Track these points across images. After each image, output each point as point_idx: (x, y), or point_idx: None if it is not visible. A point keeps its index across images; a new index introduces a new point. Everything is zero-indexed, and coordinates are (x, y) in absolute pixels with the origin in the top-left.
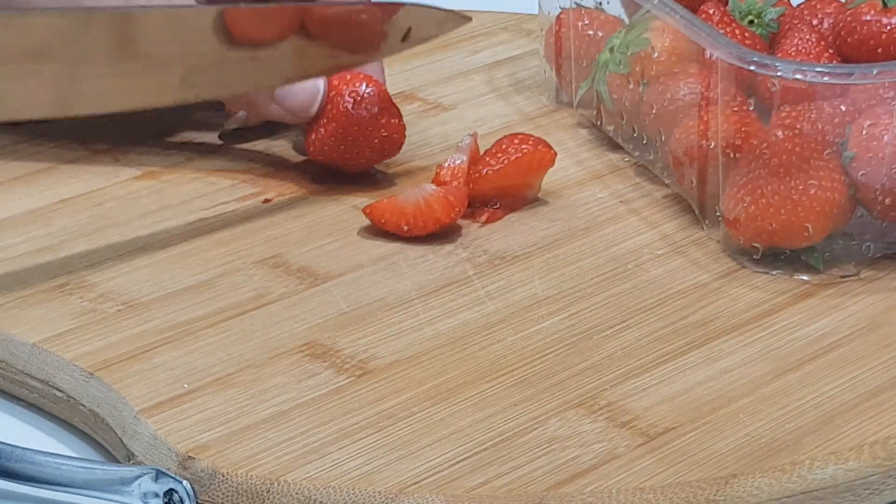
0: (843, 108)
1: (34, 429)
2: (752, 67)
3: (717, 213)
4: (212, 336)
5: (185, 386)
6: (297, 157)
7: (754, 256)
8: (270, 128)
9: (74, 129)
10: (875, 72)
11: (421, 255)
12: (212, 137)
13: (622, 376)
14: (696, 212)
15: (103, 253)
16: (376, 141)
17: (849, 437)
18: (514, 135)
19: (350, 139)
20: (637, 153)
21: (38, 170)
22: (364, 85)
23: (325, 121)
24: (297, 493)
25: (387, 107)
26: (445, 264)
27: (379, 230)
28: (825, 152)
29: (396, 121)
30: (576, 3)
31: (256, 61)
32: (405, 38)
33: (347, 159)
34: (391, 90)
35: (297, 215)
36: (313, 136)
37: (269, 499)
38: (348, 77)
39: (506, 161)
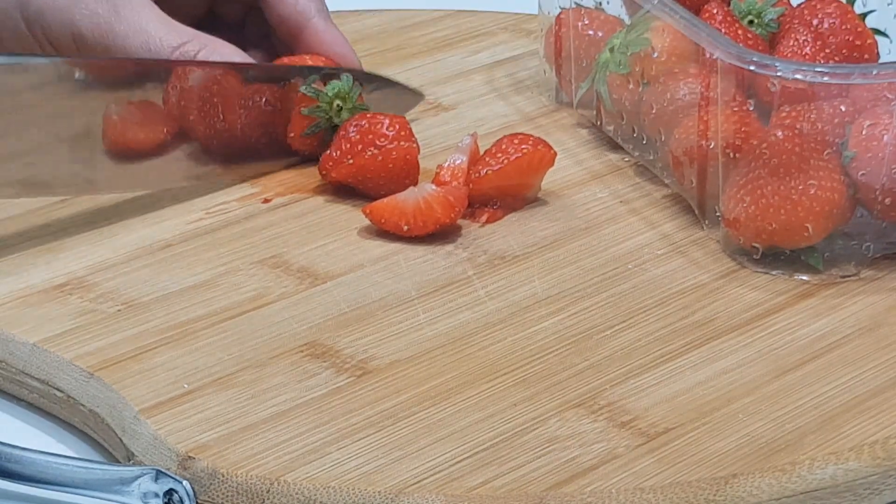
0: (843, 108)
1: (34, 429)
2: (751, 67)
3: (717, 213)
4: (212, 336)
5: (185, 386)
6: (297, 158)
7: (754, 256)
8: None
9: None
10: (875, 72)
11: (421, 255)
12: None
13: (622, 376)
14: (696, 212)
15: (103, 253)
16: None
17: (849, 437)
18: (514, 135)
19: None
20: (637, 153)
21: None
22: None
23: (341, 154)
24: (297, 493)
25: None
26: (445, 264)
27: (379, 230)
28: (825, 152)
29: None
30: (576, 3)
31: None
32: None
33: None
34: None
35: (297, 215)
36: (330, 164)
37: (269, 499)
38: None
39: (506, 161)
